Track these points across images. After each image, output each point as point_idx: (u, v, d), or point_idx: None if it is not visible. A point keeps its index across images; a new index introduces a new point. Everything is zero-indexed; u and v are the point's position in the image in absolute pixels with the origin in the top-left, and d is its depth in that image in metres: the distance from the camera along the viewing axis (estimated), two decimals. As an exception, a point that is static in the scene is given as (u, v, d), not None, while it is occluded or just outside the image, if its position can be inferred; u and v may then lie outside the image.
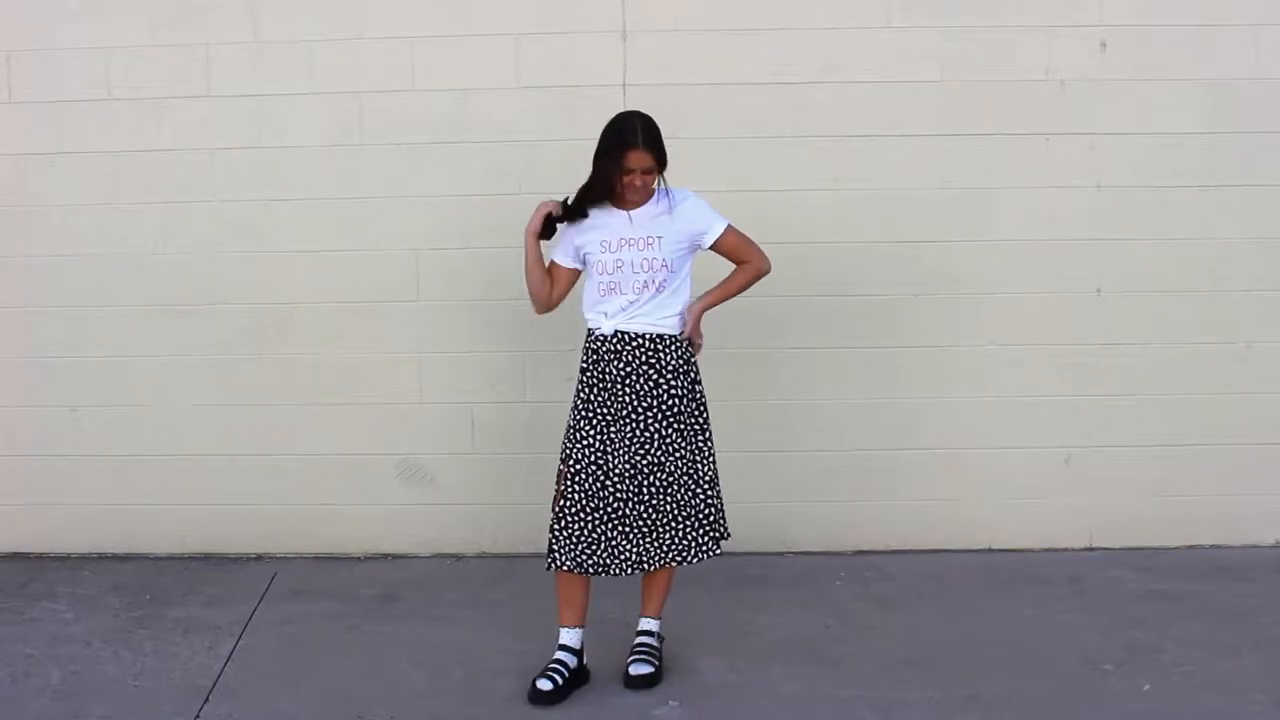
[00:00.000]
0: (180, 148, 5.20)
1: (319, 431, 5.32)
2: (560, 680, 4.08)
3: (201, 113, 5.18)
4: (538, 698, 4.04)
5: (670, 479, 4.11)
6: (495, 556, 5.34)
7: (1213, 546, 5.35)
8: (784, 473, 5.32)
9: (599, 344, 4.13)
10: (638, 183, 4.03)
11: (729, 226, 4.18)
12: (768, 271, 4.27)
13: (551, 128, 5.10)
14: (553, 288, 4.22)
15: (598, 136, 4.07)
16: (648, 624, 4.29)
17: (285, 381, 5.31)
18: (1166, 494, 5.33)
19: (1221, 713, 3.96)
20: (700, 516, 4.17)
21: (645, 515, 4.10)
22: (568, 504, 4.11)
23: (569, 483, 4.12)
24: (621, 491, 4.09)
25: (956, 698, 4.08)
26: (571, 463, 4.12)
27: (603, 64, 5.13)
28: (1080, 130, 5.17)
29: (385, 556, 5.38)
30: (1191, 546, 5.35)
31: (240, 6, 5.14)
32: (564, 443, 4.17)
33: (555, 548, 4.12)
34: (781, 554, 5.34)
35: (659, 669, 4.21)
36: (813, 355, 5.28)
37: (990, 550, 5.36)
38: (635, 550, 4.11)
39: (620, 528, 4.10)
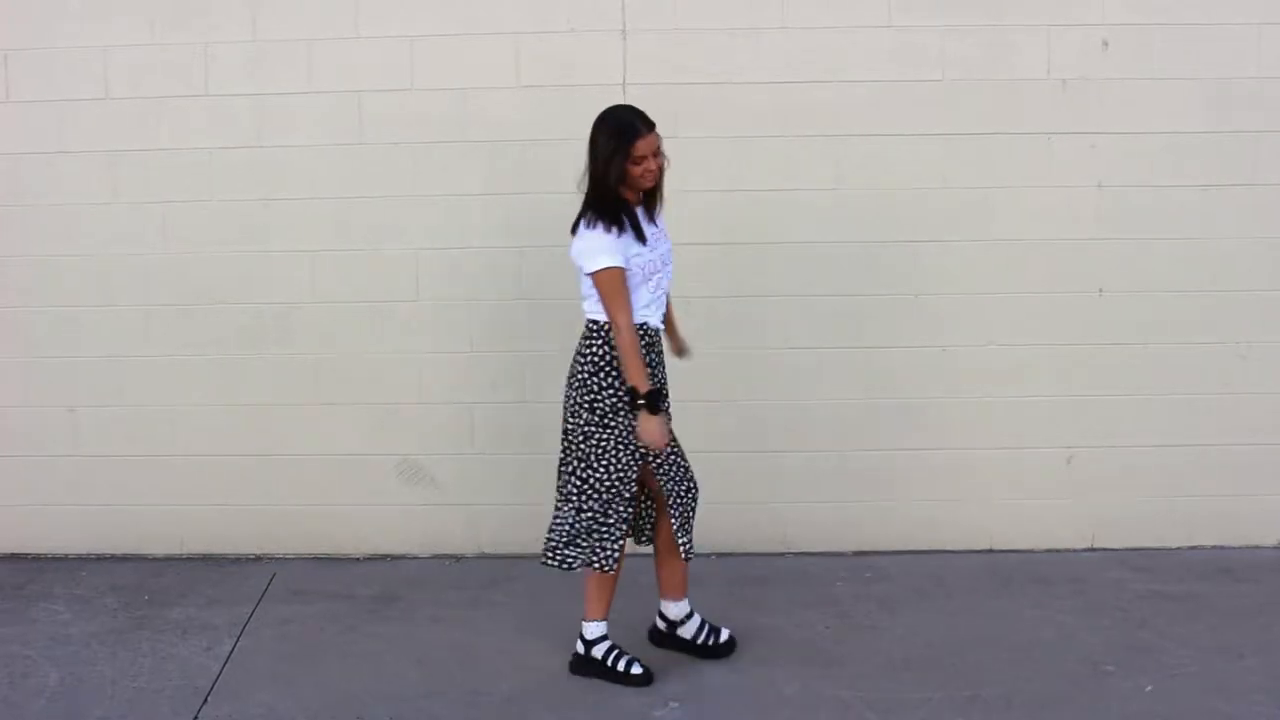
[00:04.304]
0: (180, 147, 5.19)
1: (319, 431, 5.32)
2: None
3: (201, 112, 5.18)
4: (648, 679, 4.18)
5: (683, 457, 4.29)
6: (495, 556, 5.34)
7: (1214, 547, 5.34)
8: (784, 473, 5.31)
9: (654, 337, 4.21)
10: (653, 166, 4.07)
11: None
12: None
13: (551, 128, 5.09)
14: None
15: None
16: (684, 606, 4.41)
17: (285, 381, 5.30)
18: (1168, 494, 5.33)
19: (1223, 714, 3.96)
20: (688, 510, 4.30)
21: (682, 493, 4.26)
22: (617, 510, 4.15)
23: (610, 492, 4.13)
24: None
25: (957, 698, 4.07)
26: (618, 483, 4.12)
27: (603, 64, 5.13)
28: (1081, 130, 5.16)
29: (384, 556, 5.37)
30: (1193, 547, 5.34)
31: (240, 6, 5.13)
32: (601, 466, 4.11)
33: (614, 550, 4.15)
34: (781, 554, 5.33)
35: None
36: (813, 355, 5.27)
37: (990, 550, 5.35)
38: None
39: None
